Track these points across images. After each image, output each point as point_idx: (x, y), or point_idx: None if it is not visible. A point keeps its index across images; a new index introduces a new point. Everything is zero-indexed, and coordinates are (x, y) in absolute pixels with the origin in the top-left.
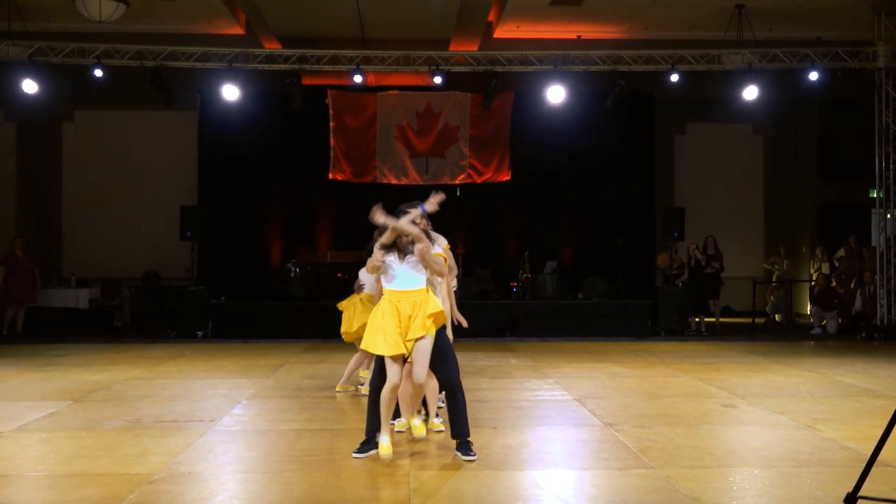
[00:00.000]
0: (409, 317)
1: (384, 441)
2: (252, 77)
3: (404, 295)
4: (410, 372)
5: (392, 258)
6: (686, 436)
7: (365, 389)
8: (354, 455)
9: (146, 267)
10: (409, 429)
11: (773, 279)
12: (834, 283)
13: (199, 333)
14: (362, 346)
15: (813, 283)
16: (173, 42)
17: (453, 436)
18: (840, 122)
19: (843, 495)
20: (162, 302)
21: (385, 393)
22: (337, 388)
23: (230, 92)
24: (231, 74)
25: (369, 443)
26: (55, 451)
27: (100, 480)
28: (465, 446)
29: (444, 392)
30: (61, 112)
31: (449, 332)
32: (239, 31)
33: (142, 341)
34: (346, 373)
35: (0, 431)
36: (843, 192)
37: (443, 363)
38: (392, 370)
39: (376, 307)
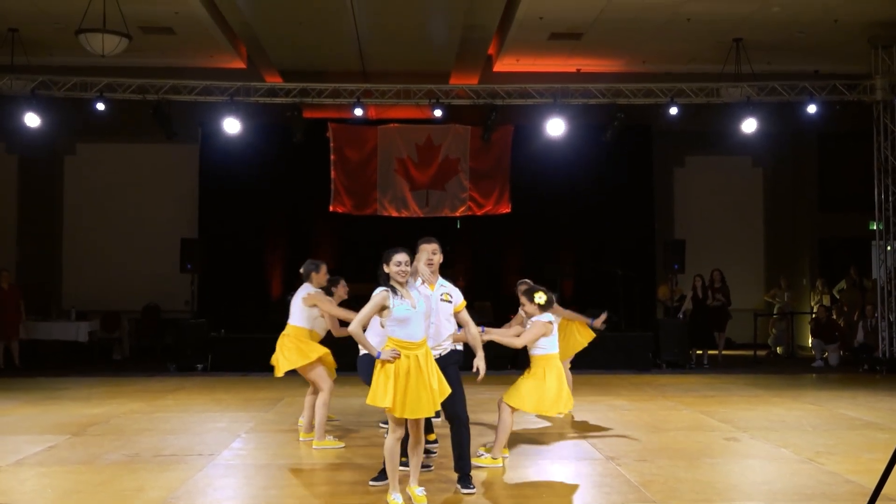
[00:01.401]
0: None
1: (397, 498)
2: (253, 110)
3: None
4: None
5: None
6: (688, 469)
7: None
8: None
9: (146, 300)
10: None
11: (774, 311)
12: (835, 316)
13: (199, 366)
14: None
15: (814, 316)
16: (175, 76)
17: (456, 469)
18: (839, 155)
19: None
20: (162, 335)
21: (392, 443)
22: (302, 437)
23: (231, 125)
24: (232, 108)
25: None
26: (53, 485)
27: None
28: (466, 479)
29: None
30: (63, 145)
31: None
32: (240, 64)
33: (141, 374)
34: (306, 423)
35: None
36: (842, 225)
37: (451, 396)
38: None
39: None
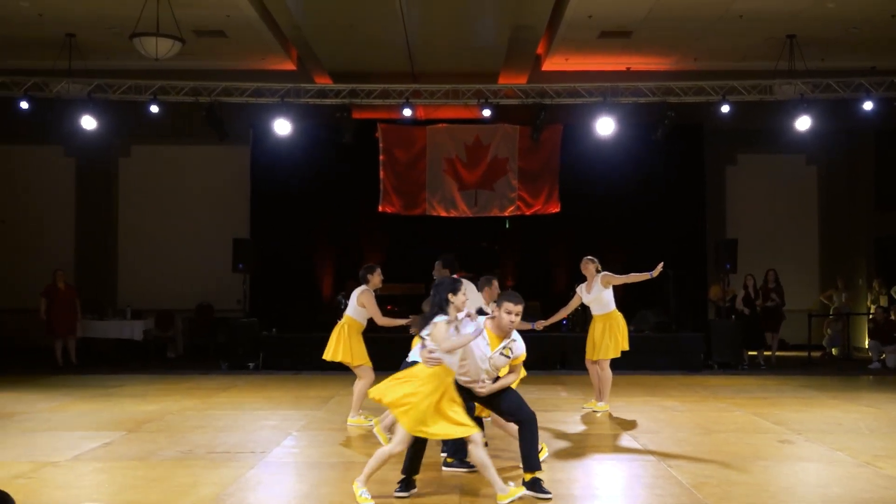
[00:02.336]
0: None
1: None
2: (303, 112)
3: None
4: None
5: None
6: (741, 472)
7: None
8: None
9: (199, 299)
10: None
11: (831, 312)
12: (893, 317)
13: (251, 365)
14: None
15: (871, 316)
16: (227, 78)
17: (526, 469)
18: None
19: None
20: (214, 334)
21: (481, 453)
22: (349, 422)
23: (282, 126)
24: (283, 109)
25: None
26: (109, 481)
27: None
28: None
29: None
30: (118, 147)
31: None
32: (291, 66)
33: (194, 372)
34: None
35: (56, 461)
36: None
37: (510, 402)
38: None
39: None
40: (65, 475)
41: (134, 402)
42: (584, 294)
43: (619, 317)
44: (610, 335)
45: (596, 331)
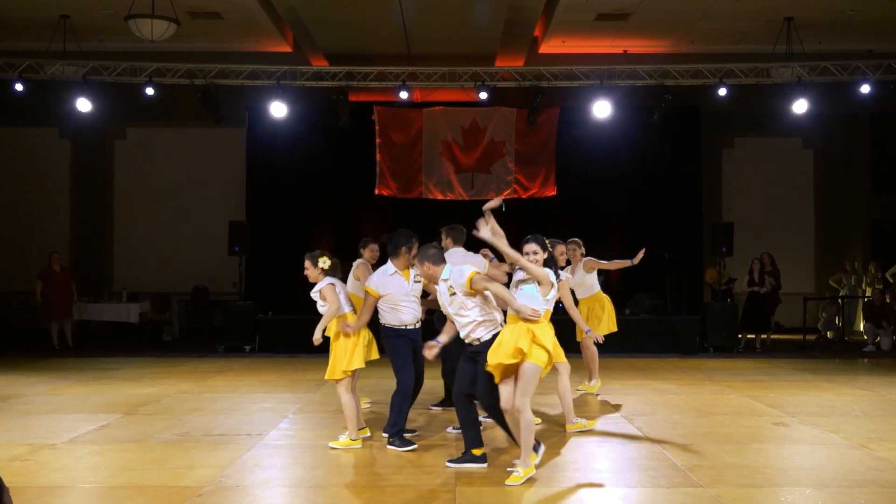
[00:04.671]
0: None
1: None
2: (299, 94)
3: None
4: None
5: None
6: (736, 454)
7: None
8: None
9: (195, 282)
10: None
11: (840, 296)
12: (889, 300)
13: (247, 348)
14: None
15: (868, 299)
16: (222, 60)
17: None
18: (892, 136)
19: None
20: (210, 317)
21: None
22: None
23: (278, 109)
24: (279, 92)
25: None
26: (106, 463)
27: (149, 493)
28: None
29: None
30: (113, 130)
31: None
32: (287, 48)
33: (190, 355)
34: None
35: (53, 443)
36: (895, 207)
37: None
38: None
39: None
40: (61, 458)
41: (130, 384)
42: (569, 278)
43: (605, 298)
44: (594, 315)
45: (581, 312)
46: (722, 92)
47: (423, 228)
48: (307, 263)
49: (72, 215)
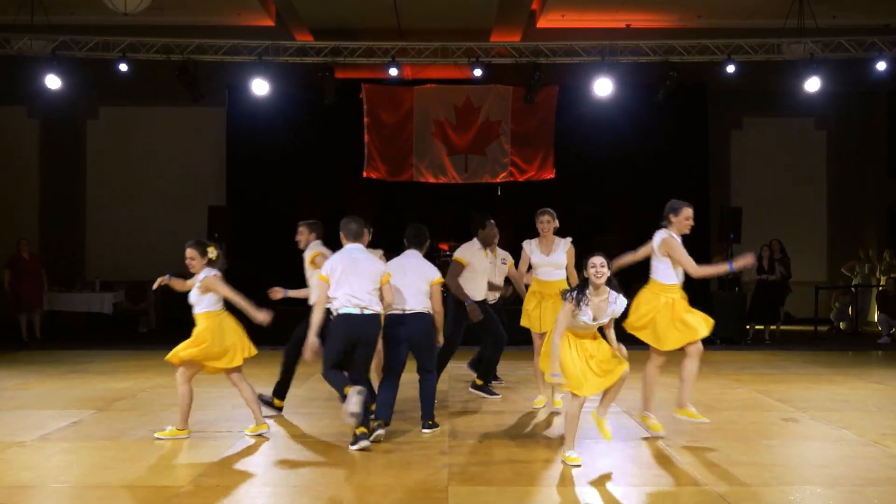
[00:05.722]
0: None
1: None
2: (283, 71)
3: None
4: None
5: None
6: (743, 451)
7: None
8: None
9: (173, 270)
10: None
11: (853, 285)
12: None
13: None
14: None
15: (882, 289)
16: (201, 35)
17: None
18: None
19: None
20: (188, 307)
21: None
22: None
23: (260, 87)
24: (261, 68)
25: None
26: (79, 461)
27: (124, 493)
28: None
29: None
30: (85, 109)
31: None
32: (269, 22)
33: (168, 348)
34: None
35: (23, 441)
36: None
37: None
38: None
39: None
40: (31, 456)
41: (104, 379)
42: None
43: None
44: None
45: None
46: (730, 69)
47: (413, 213)
48: (192, 252)
49: (41, 200)
